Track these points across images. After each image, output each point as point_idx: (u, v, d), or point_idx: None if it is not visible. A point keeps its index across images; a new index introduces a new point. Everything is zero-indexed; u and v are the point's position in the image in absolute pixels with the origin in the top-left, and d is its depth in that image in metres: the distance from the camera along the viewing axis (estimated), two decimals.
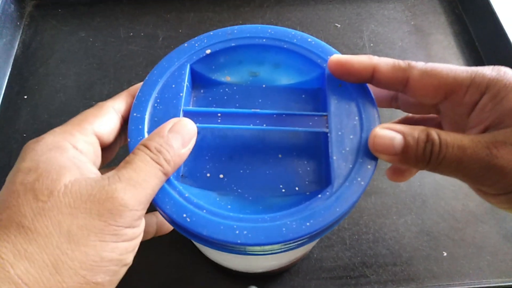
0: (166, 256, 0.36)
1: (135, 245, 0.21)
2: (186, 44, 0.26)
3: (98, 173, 0.21)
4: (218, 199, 0.22)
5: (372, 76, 0.23)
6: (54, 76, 0.46)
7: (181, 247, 0.36)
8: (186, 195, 0.21)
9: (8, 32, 0.48)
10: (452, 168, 0.20)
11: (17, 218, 0.18)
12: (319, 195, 0.21)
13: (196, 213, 0.20)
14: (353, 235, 0.37)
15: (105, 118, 0.23)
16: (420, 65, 0.23)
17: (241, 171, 0.23)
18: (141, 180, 0.20)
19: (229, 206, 0.22)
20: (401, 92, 0.24)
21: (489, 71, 0.22)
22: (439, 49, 0.49)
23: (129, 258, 0.21)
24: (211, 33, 0.26)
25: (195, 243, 0.32)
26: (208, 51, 0.25)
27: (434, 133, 0.21)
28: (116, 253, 0.19)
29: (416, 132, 0.21)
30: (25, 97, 0.45)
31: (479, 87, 0.22)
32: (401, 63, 0.23)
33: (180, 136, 0.22)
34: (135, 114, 0.23)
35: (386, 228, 0.37)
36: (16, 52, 0.48)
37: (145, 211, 0.21)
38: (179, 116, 0.23)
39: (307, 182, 0.23)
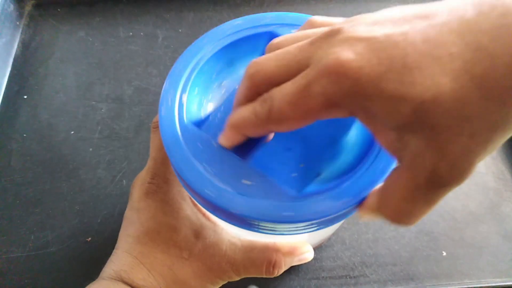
0: None
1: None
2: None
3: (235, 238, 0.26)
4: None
5: None
6: (53, 76, 0.46)
7: None
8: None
9: (7, 32, 0.48)
10: None
11: (168, 261, 0.25)
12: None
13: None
14: (352, 234, 0.37)
15: None
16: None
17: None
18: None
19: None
20: None
21: None
22: None
23: None
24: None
25: None
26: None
27: None
28: None
29: None
30: (25, 97, 0.45)
31: None
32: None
33: (297, 258, 0.27)
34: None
35: (386, 227, 0.37)
36: (15, 52, 0.48)
37: None
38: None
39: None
